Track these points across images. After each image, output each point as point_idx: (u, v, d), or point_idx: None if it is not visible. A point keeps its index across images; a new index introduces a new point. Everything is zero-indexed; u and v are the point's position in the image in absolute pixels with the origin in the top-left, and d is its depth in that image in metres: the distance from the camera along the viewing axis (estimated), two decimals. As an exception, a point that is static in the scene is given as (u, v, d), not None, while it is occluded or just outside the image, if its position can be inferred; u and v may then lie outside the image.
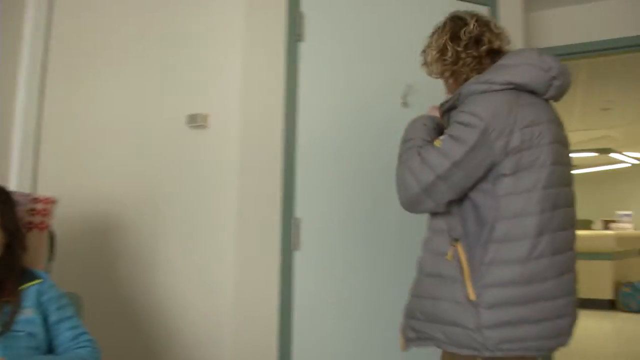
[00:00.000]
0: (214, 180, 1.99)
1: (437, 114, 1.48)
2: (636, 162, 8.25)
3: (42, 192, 1.84)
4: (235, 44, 1.98)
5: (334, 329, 1.98)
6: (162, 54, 2.14)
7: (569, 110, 5.48)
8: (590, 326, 5.00)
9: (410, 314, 1.38)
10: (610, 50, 2.90)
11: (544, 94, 1.33)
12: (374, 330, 2.00)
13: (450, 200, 1.30)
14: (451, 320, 1.26)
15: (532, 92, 1.31)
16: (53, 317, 1.39)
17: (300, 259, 1.96)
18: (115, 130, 2.19)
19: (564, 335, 1.29)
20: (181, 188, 2.05)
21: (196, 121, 1.98)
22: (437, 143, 1.29)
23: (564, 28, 2.92)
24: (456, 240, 1.30)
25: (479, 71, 1.37)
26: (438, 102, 2.05)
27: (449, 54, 1.40)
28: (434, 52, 1.43)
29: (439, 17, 2.14)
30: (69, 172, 2.21)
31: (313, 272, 1.97)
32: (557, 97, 1.36)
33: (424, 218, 2.08)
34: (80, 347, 1.38)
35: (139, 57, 2.18)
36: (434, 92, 2.15)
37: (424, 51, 1.50)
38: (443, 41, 1.41)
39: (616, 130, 6.52)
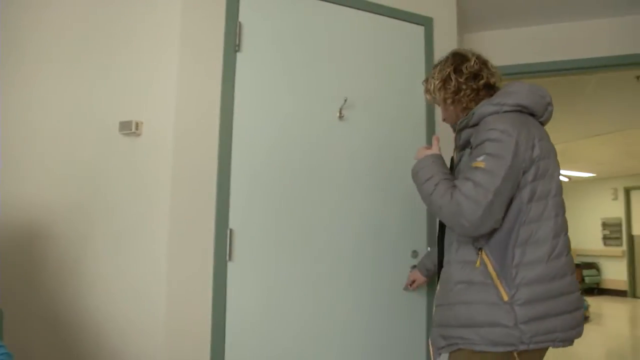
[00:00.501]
0: (146, 189, 1.94)
1: (427, 152, 1.61)
2: (566, 179, 8.70)
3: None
4: (171, 52, 1.96)
5: (267, 339, 1.96)
6: (96, 60, 2.08)
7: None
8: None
9: (441, 323, 1.50)
10: (542, 72, 3.07)
11: (541, 117, 1.53)
12: (308, 340, 2.00)
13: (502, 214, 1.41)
14: (489, 321, 1.38)
15: (532, 114, 1.50)
16: None
17: (233, 270, 1.94)
18: (46, 135, 2.11)
19: (579, 326, 1.46)
20: (113, 196, 1.99)
21: (129, 128, 1.93)
22: (479, 164, 1.39)
23: (498, 50, 3.06)
24: (480, 248, 1.44)
25: (477, 102, 1.56)
26: (374, 117, 2.14)
27: (452, 84, 1.58)
28: (437, 82, 1.62)
29: (376, 32, 2.23)
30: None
31: (247, 283, 1.95)
32: (547, 121, 1.57)
33: (357, 228, 2.13)
34: None
35: (73, 61, 2.12)
36: (370, 107, 2.22)
37: (426, 80, 1.70)
38: (447, 73, 1.59)
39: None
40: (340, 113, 2.13)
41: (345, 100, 2.12)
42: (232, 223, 1.95)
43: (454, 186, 1.43)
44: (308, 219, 2.05)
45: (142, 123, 1.95)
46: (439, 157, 1.59)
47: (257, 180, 2.01)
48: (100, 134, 2.02)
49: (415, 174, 1.58)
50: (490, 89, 1.58)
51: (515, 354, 1.38)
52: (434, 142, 1.68)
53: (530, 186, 1.40)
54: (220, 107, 1.97)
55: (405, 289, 2.17)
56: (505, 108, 1.46)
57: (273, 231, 2.01)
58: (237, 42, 2.01)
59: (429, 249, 2.22)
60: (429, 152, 1.61)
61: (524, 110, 1.48)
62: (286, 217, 2.03)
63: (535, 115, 1.51)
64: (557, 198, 1.45)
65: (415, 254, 2.21)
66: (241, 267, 1.95)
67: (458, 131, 1.60)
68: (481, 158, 1.39)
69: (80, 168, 2.05)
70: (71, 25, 2.14)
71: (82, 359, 1.95)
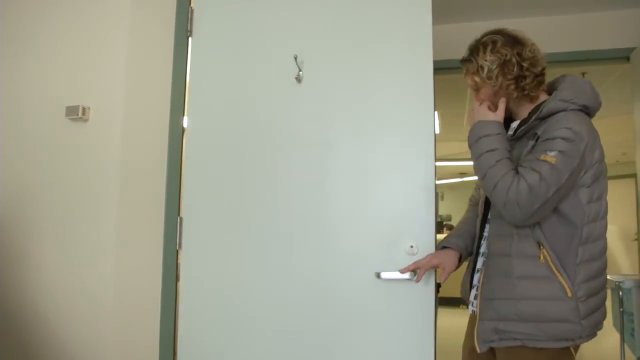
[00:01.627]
0: (94, 176, 1.89)
1: (492, 116, 1.54)
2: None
3: None
4: (121, 36, 1.91)
5: (219, 327, 1.95)
6: (43, 42, 2.01)
7: (460, 122, 5.85)
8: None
9: (498, 317, 1.46)
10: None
11: (592, 117, 1.53)
12: (261, 327, 2.00)
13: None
14: (556, 317, 1.40)
15: (589, 114, 1.50)
16: None
17: (183, 258, 1.92)
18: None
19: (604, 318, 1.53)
20: (60, 182, 1.93)
21: (76, 113, 1.88)
22: (549, 159, 1.37)
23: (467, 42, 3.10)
24: (540, 243, 1.43)
25: (537, 90, 1.53)
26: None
27: (514, 69, 1.50)
28: (494, 66, 1.51)
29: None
30: None
31: (196, 271, 1.94)
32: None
33: (312, 213, 2.06)
34: None
35: (19, 44, 2.04)
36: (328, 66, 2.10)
37: (469, 60, 1.57)
38: (507, 56, 1.50)
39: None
40: (299, 76, 1.98)
41: (298, 65, 1.98)
42: (183, 210, 1.92)
43: (517, 172, 1.42)
44: (260, 204, 1.99)
45: (89, 108, 1.90)
46: (504, 129, 1.53)
47: (208, 167, 1.98)
48: (46, 119, 1.96)
49: (476, 138, 1.51)
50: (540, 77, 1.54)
51: (572, 348, 1.43)
52: (501, 105, 1.56)
53: (592, 187, 1.42)
54: (171, 93, 1.94)
55: (412, 277, 1.73)
56: (573, 107, 1.45)
57: (223, 218, 1.99)
58: (189, 27, 1.98)
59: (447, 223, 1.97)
60: (494, 117, 1.54)
61: (584, 110, 1.48)
62: (238, 204, 2.01)
63: (590, 115, 1.51)
64: (606, 199, 1.50)
65: (395, 227, 1.90)
66: (191, 255, 1.93)
67: (525, 121, 1.54)
68: (553, 153, 1.37)
69: (25, 154, 1.99)
70: (21, 9, 2.06)
71: (27, 348, 1.91)
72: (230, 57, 2.04)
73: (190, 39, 1.99)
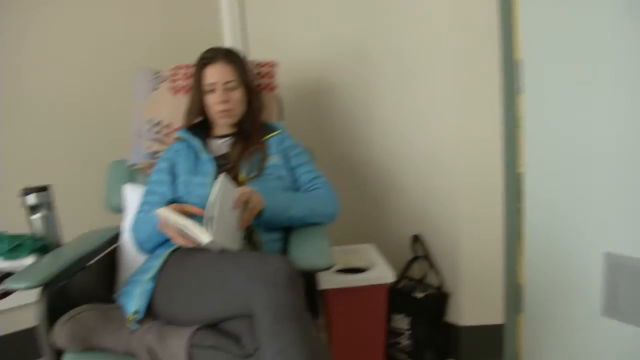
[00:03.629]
0: (427, 24, 1.92)
1: None
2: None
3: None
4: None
5: (565, 167, 1.71)
6: None
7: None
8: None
9: None
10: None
11: None
12: (609, 167, 1.61)
13: None
14: None
15: None
16: (292, 162, 1.56)
17: (524, 101, 1.79)
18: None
19: None
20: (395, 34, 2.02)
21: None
22: None
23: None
24: None
25: None
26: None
27: None
28: None
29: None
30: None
31: (538, 115, 1.78)
32: None
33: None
34: (316, 189, 1.53)
35: None
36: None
37: None
38: None
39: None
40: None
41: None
42: (522, 52, 1.73)
43: None
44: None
45: None
46: None
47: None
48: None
49: None
50: None
51: None
52: None
53: None
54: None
55: None
56: None
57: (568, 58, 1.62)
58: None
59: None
60: None
61: None
62: (585, 41, 1.59)
63: None
64: None
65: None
66: (532, 99, 1.77)
67: None
68: None
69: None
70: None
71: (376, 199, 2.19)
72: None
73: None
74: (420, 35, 1.97)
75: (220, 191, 1.15)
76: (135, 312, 1.22)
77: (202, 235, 1.14)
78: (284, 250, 1.42)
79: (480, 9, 1.81)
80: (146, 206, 1.46)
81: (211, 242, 1.13)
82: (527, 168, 1.83)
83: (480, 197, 1.90)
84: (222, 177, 1.19)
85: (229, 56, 1.54)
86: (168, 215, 1.20)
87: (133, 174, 1.78)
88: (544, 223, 1.80)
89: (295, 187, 1.54)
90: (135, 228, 1.45)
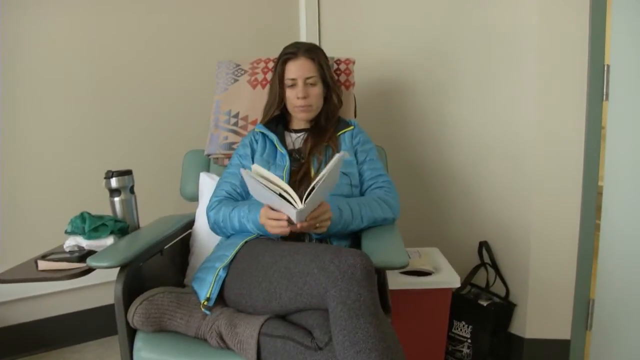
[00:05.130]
0: (511, 22, 1.89)
1: None
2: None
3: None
4: None
5: None
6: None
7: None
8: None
9: None
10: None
11: None
12: None
13: None
14: None
15: None
16: (360, 158, 1.57)
17: (610, 108, 1.74)
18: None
19: None
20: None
21: None
22: None
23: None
24: None
25: None
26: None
27: None
28: None
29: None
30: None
31: (624, 123, 1.74)
32: None
33: None
34: (377, 187, 1.52)
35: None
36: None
37: None
38: None
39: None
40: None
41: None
42: (611, 58, 1.68)
43: None
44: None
45: None
46: None
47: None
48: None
49: None
50: None
51: None
52: None
53: None
54: None
55: None
56: None
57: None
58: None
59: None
60: None
61: None
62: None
63: None
64: None
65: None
66: (619, 106, 1.72)
67: None
68: None
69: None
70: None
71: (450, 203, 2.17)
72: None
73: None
74: (503, 36, 1.93)
75: (332, 169, 1.16)
76: (208, 299, 1.25)
77: (298, 201, 1.14)
78: (352, 246, 1.42)
79: (569, 12, 1.75)
80: (226, 185, 1.50)
81: (300, 210, 1.14)
82: (606, 180, 1.76)
83: (555, 206, 1.84)
84: (338, 156, 1.19)
85: (311, 52, 1.56)
86: (263, 171, 1.19)
87: (208, 164, 1.84)
88: (621, 239, 1.73)
89: (359, 182, 1.54)
90: (218, 212, 1.44)
